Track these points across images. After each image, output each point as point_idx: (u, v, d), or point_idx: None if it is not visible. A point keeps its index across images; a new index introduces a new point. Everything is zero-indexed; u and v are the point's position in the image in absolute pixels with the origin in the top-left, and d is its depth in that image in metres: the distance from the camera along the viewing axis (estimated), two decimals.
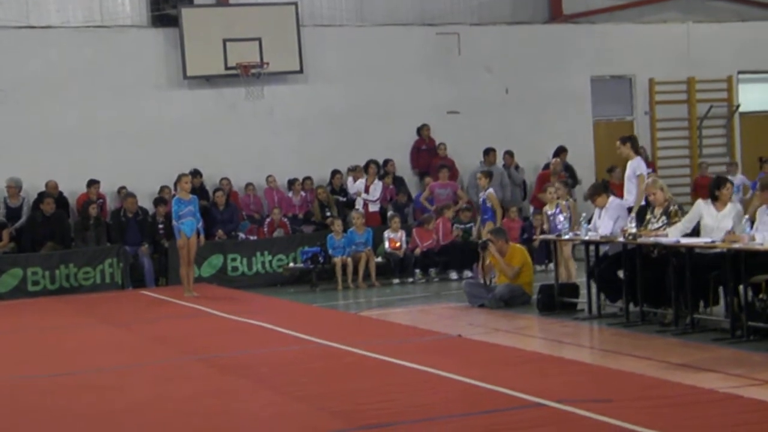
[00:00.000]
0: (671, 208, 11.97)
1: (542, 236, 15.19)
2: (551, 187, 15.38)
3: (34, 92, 19.66)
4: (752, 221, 10.72)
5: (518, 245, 14.91)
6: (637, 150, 14.26)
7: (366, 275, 17.95)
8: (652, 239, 11.48)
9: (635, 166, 13.66)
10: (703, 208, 11.33)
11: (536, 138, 21.63)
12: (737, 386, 8.11)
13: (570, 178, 21.19)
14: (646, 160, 21.94)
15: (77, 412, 8.27)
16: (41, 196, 18.92)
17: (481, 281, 14.58)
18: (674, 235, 11.31)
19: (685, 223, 11.44)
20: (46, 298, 17.57)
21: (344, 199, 20.48)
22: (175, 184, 17.31)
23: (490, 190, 17.06)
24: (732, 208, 11.06)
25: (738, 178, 21.10)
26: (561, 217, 14.44)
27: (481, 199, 17.17)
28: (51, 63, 19.83)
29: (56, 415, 8.19)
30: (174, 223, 16.47)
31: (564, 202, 14.82)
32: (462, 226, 18.86)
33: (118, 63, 20.18)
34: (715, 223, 11.07)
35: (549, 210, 15.06)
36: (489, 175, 17.38)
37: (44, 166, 19.35)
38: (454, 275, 18.17)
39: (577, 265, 16.18)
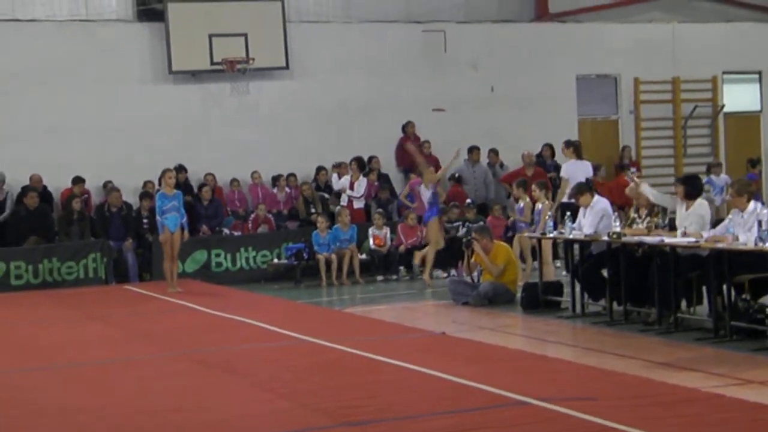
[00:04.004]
0: (655, 208, 12.03)
1: (527, 234, 15.22)
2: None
3: (18, 86, 19.54)
4: None
5: (503, 243, 14.93)
6: (580, 155, 16.52)
7: (350, 272, 17.94)
8: (636, 238, 11.53)
9: (565, 167, 16.27)
10: (678, 207, 11.51)
11: (521, 136, 21.61)
12: (720, 385, 8.15)
13: (558, 177, 21.24)
14: (629, 159, 22.18)
15: (59, 407, 8.24)
16: (25, 189, 18.85)
17: (466, 279, 14.59)
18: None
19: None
20: (29, 292, 17.48)
21: (329, 197, 20.46)
22: (160, 179, 17.24)
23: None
24: (697, 208, 11.19)
25: (722, 178, 21.17)
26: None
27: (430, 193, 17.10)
28: (36, 57, 19.70)
29: (38, 410, 8.15)
30: (158, 218, 16.41)
31: (539, 204, 15.06)
32: (450, 225, 18.90)
33: (103, 57, 20.08)
34: (681, 222, 11.26)
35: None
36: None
37: (28, 160, 19.24)
38: (438, 272, 18.08)
39: (559, 263, 16.27)
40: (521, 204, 16.31)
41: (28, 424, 7.72)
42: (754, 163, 22.59)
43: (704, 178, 20.73)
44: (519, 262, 15.47)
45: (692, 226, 11.10)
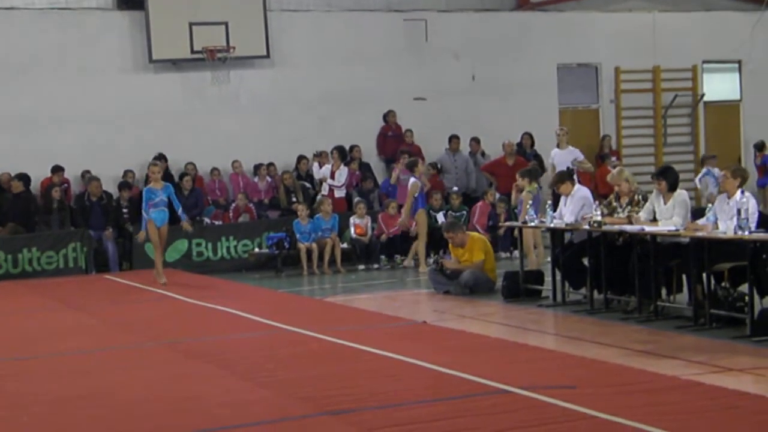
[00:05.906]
0: (636, 197, 12.07)
1: (507, 223, 15.22)
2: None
3: None
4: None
5: (477, 234, 14.88)
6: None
7: (331, 261, 17.94)
8: (617, 227, 11.56)
9: (575, 154, 18.98)
10: (654, 200, 11.51)
11: (502, 125, 21.62)
12: (699, 373, 8.20)
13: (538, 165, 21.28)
14: (609, 148, 22.25)
15: (40, 397, 8.21)
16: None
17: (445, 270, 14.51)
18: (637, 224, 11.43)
19: (643, 214, 11.59)
20: (8, 281, 17.39)
21: (310, 186, 20.43)
22: (148, 175, 16.65)
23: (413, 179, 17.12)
24: (674, 200, 11.23)
25: (716, 170, 21.08)
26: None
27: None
28: (14, 45, 19.60)
29: (18, 400, 8.13)
30: (143, 213, 15.72)
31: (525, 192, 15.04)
32: (435, 213, 18.94)
33: (83, 46, 19.99)
34: (660, 215, 11.29)
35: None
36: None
37: (6, 149, 19.15)
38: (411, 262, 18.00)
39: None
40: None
41: (8, 415, 7.68)
42: (760, 146, 22.28)
43: (702, 170, 20.78)
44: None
45: (677, 215, 11.09)
